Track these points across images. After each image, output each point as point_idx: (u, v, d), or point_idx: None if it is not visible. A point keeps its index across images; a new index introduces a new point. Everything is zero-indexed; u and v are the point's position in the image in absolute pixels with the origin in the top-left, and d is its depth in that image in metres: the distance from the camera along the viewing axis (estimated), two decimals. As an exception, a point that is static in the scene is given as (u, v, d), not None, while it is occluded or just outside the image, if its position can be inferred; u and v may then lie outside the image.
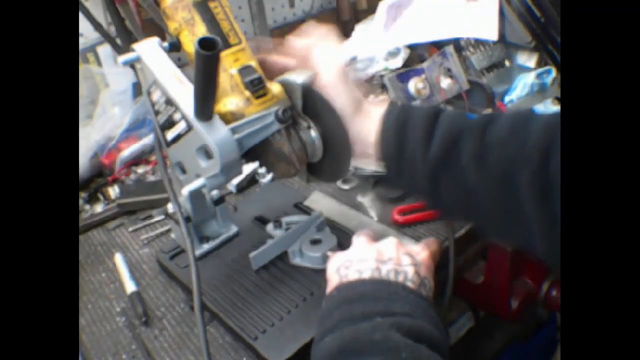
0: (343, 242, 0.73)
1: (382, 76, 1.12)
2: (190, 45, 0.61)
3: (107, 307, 0.75)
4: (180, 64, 0.64)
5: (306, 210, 0.84)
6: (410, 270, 0.55)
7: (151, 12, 1.12)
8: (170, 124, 0.61)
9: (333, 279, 0.57)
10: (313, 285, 0.69)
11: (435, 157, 0.54)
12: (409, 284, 0.54)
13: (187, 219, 0.72)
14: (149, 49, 0.61)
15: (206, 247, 0.77)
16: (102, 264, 0.83)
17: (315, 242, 0.73)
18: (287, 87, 0.62)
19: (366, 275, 0.55)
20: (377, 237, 0.63)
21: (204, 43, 0.49)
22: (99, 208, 0.96)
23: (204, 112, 0.56)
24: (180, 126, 0.60)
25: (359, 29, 1.39)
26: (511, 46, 1.17)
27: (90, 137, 1.02)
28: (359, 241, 0.61)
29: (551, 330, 1.19)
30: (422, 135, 0.55)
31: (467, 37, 1.14)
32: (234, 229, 0.80)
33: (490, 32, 1.09)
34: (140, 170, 1.04)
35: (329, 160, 0.66)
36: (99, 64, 1.16)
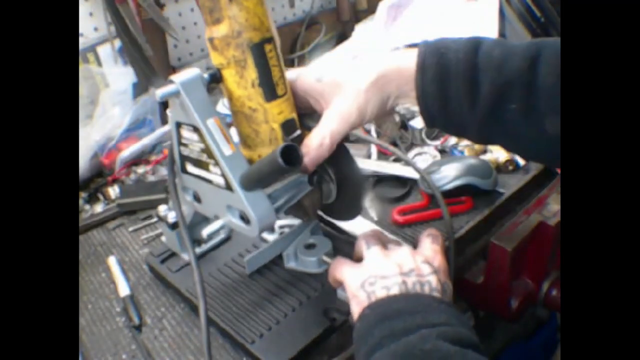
0: (336, 245, 0.73)
1: (382, 76, 1.12)
2: (234, 85, 0.55)
3: (107, 307, 0.75)
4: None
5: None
6: (433, 280, 0.55)
7: (151, 12, 1.13)
8: (200, 166, 0.59)
9: (360, 296, 0.56)
10: (309, 289, 0.69)
11: (482, 112, 0.54)
12: (435, 294, 0.54)
13: (174, 226, 0.72)
14: (191, 87, 0.55)
15: (198, 250, 0.77)
16: (102, 264, 0.83)
17: (309, 246, 0.72)
18: None
19: (394, 290, 0.54)
20: (381, 236, 0.63)
21: (285, 151, 0.47)
22: (99, 208, 0.96)
23: (249, 188, 0.55)
24: (216, 179, 0.58)
25: (359, 29, 1.39)
26: (511, 46, 1.17)
27: (90, 137, 1.02)
28: (373, 253, 0.59)
29: (551, 330, 1.19)
30: (465, 91, 0.54)
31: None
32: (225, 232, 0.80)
33: (490, 32, 1.09)
34: (140, 170, 1.03)
35: (341, 203, 0.65)
36: (99, 64, 1.16)
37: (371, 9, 1.41)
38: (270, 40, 0.54)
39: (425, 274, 0.55)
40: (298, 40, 1.48)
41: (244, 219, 0.57)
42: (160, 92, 0.54)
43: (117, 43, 1.15)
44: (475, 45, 0.55)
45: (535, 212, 0.77)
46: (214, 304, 0.69)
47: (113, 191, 0.98)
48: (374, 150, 1.00)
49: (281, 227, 0.77)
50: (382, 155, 0.99)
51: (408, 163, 0.90)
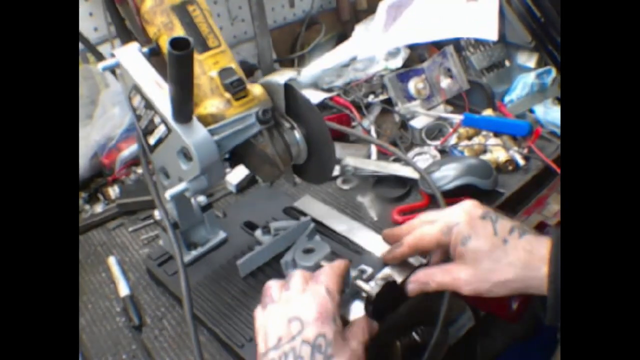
0: (335, 249, 0.72)
1: (382, 76, 1.12)
2: None
3: (107, 307, 0.75)
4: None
5: (295, 215, 0.83)
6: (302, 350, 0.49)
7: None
8: (151, 128, 0.61)
9: None
10: None
11: None
12: None
13: (175, 225, 0.71)
14: (129, 55, 0.62)
15: (194, 253, 0.77)
16: (102, 264, 0.83)
17: (308, 251, 0.71)
18: (268, 88, 0.62)
19: None
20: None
21: (176, 43, 0.48)
22: (99, 208, 0.96)
23: (181, 114, 0.56)
24: (160, 130, 0.59)
25: (359, 29, 1.39)
26: (511, 46, 1.17)
27: (90, 137, 1.02)
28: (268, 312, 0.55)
29: (551, 330, 1.19)
30: None
31: (467, 37, 1.14)
32: (222, 235, 0.80)
33: (490, 32, 1.09)
34: (140, 170, 1.03)
35: (314, 162, 0.65)
36: (99, 64, 1.16)
37: (371, 9, 1.40)
38: (192, 1, 0.61)
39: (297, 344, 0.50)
40: (298, 40, 1.47)
41: (187, 156, 0.58)
42: (102, 64, 0.62)
43: (117, 43, 1.15)
44: None
45: (535, 212, 0.77)
46: (205, 307, 0.69)
47: (113, 191, 0.98)
48: (374, 150, 1.00)
49: (276, 229, 0.77)
50: (382, 155, 0.99)
51: (408, 163, 0.90)
